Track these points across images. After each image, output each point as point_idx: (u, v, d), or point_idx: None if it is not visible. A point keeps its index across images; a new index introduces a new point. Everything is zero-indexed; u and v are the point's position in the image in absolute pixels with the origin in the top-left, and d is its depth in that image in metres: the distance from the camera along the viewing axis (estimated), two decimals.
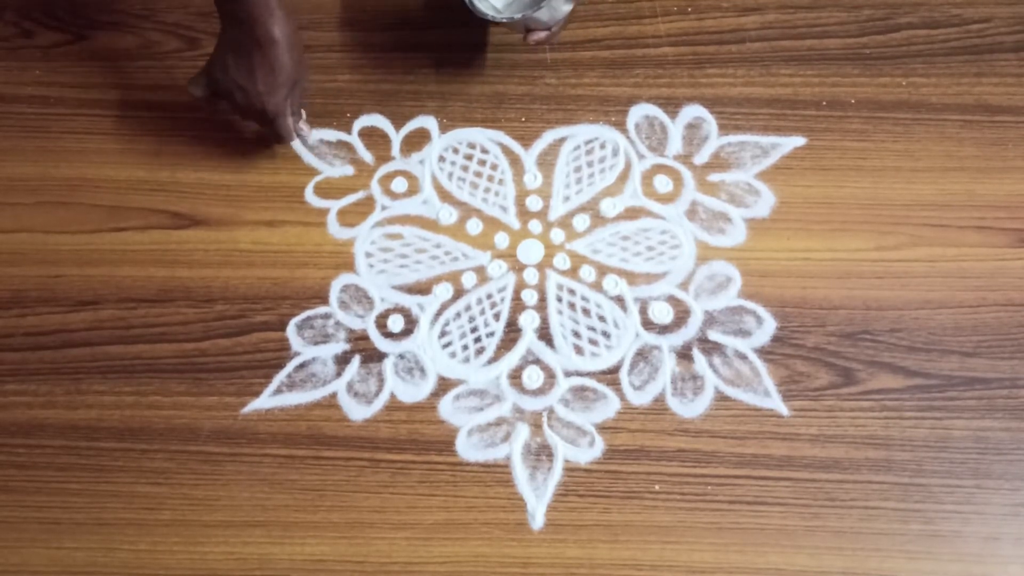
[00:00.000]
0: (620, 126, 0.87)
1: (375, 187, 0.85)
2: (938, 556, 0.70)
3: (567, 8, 0.80)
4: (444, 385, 0.76)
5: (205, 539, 0.71)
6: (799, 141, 0.85)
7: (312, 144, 0.85)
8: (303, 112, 0.84)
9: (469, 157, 0.86)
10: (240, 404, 0.76)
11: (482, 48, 0.91)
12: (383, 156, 0.86)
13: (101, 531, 0.72)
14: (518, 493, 0.72)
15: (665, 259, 0.81)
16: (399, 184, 0.85)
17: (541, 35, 0.81)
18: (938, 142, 0.85)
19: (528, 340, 0.78)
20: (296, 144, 0.86)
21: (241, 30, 0.74)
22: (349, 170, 0.86)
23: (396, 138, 0.87)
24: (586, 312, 0.79)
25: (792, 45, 0.90)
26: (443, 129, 0.87)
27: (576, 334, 0.78)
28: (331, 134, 0.87)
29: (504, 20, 0.80)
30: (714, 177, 0.84)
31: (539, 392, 0.76)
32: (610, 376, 0.76)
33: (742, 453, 0.73)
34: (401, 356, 0.77)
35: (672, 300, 0.79)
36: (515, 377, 0.76)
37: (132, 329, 0.79)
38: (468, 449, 0.74)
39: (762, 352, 0.77)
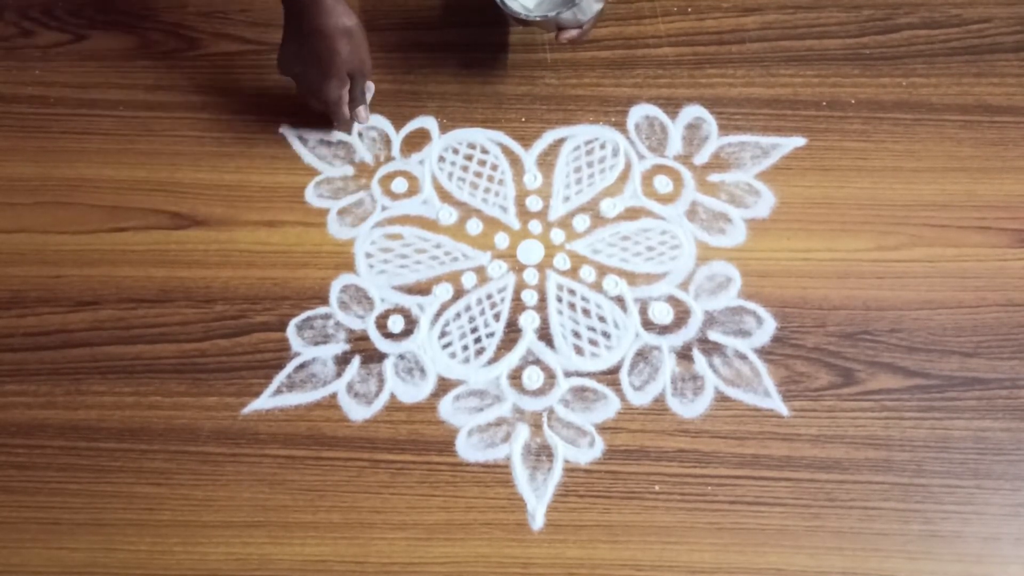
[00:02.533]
0: (620, 126, 0.87)
1: (375, 187, 0.85)
2: (938, 556, 0.70)
3: (598, 6, 0.80)
4: (444, 385, 0.76)
5: (205, 539, 0.71)
6: (799, 141, 0.85)
7: (364, 127, 0.87)
8: (367, 98, 0.84)
9: (469, 157, 0.86)
10: (240, 404, 0.76)
11: (482, 48, 0.91)
12: (383, 156, 0.86)
13: (101, 531, 0.72)
14: (518, 493, 0.72)
15: (665, 259, 0.81)
16: (399, 184, 0.85)
17: (573, 33, 0.82)
18: (938, 142, 0.85)
19: (528, 340, 0.78)
20: (296, 144, 0.86)
21: (299, 20, 0.77)
22: (349, 170, 0.86)
23: (396, 138, 0.87)
24: (586, 312, 0.79)
25: (792, 45, 0.90)
26: (443, 129, 0.87)
27: (576, 334, 0.78)
28: (331, 134, 0.87)
29: (537, 19, 0.80)
30: (714, 177, 0.84)
31: (539, 392, 0.76)
32: (610, 376, 0.76)
33: (742, 453, 0.73)
34: (401, 356, 0.77)
35: (672, 300, 0.79)
36: (515, 377, 0.76)
37: (132, 329, 0.79)
38: (468, 449, 0.74)
39: (762, 352, 0.77)
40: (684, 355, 0.77)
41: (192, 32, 0.93)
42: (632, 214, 0.83)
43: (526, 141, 0.86)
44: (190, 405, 0.76)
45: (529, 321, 0.79)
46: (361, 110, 0.83)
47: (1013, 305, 0.78)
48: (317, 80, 0.80)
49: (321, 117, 0.85)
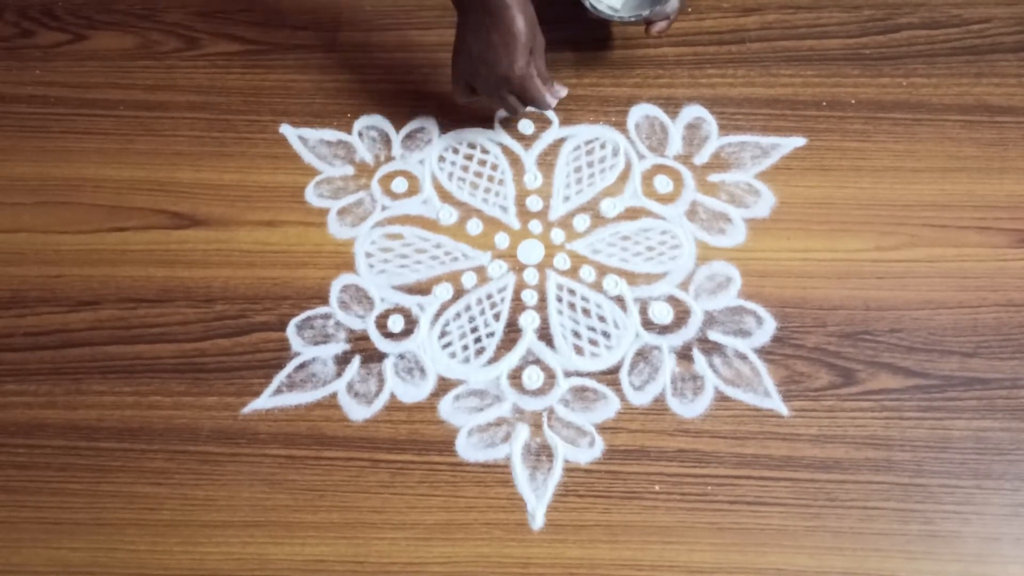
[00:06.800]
0: (620, 126, 0.87)
1: (375, 187, 0.85)
2: (938, 556, 0.70)
3: None
4: (444, 385, 0.76)
5: (205, 539, 0.71)
6: (799, 141, 0.85)
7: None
8: (549, 75, 0.81)
9: (469, 157, 0.86)
10: (240, 404, 0.76)
11: None
12: (383, 156, 0.86)
13: (101, 531, 0.72)
14: (518, 493, 0.72)
15: (665, 259, 0.81)
16: (399, 184, 0.85)
17: (662, 25, 0.84)
18: (938, 142, 0.85)
19: (528, 340, 0.78)
20: (296, 144, 0.86)
21: (476, 8, 0.74)
22: (349, 170, 0.86)
23: (396, 138, 0.87)
24: (586, 312, 0.79)
25: (792, 45, 0.90)
26: (443, 129, 0.87)
27: (576, 334, 0.78)
28: (331, 134, 0.87)
29: (630, 19, 0.83)
30: (714, 177, 0.84)
31: (539, 392, 0.76)
32: (610, 376, 0.76)
33: (742, 453, 0.73)
34: (401, 356, 0.77)
35: (672, 300, 0.79)
36: (515, 377, 0.76)
37: (132, 329, 0.79)
38: (468, 449, 0.74)
39: (762, 352, 0.77)
40: (684, 355, 0.77)
41: (192, 32, 0.93)
42: (632, 214, 0.83)
43: (526, 141, 0.86)
44: (190, 405, 0.76)
45: (529, 321, 0.79)
46: (557, 85, 0.80)
47: (1013, 305, 0.78)
48: (507, 58, 0.75)
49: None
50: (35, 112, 0.89)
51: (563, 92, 0.81)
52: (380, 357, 0.77)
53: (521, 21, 0.74)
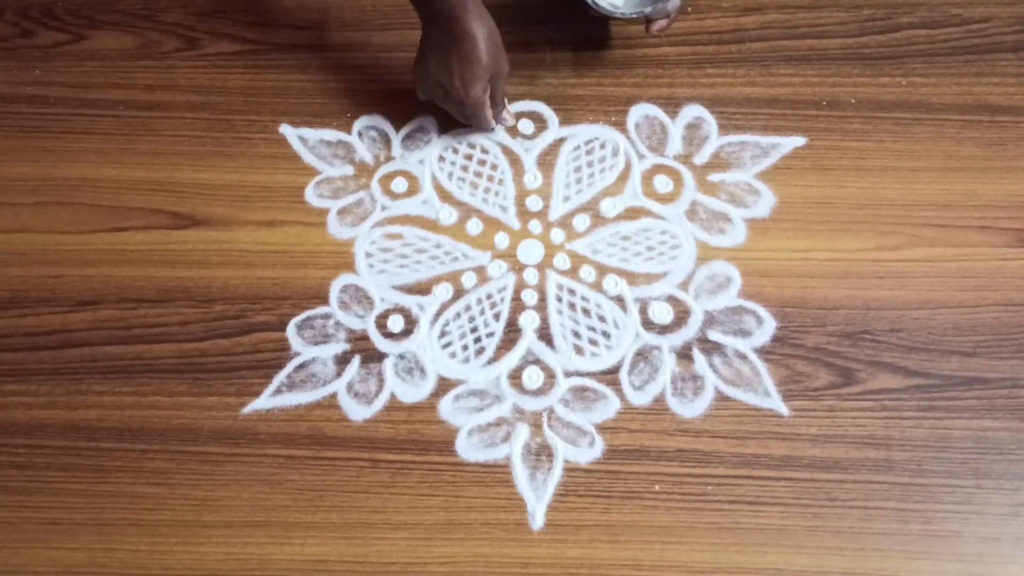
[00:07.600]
0: (620, 126, 0.87)
1: (375, 187, 0.85)
2: (938, 556, 0.70)
3: None
4: (444, 385, 0.76)
5: (205, 539, 0.71)
6: (799, 141, 0.85)
7: (509, 125, 0.87)
8: (505, 101, 0.85)
9: (469, 157, 0.86)
10: (240, 404, 0.76)
11: None
12: (383, 156, 0.86)
13: (101, 531, 0.72)
14: (518, 493, 0.72)
15: (665, 259, 0.81)
16: (399, 184, 0.85)
17: (663, 23, 0.84)
18: (938, 142, 0.85)
19: (528, 340, 0.78)
20: (296, 144, 0.87)
21: (439, 28, 0.76)
22: (349, 170, 0.86)
23: (396, 138, 0.87)
24: (586, 312, 0.79)
25: (792, 45, 0.90)
26: (443, 129, 0.87)
27: (576, 334, 0.78)
28: (331, 134, 0.87)
29: (632, 16, 0.83)
30: (714, 177, 0.84)
31: (539, 392, 0.76)
32: (610, 376, 0.76)
33: (742, 453, 0.73)
34: (401, 356, 0.77)
35: (672, 300, 0.79)
36: (515, 377, 0.76)
37: (132, 329, 0.79)
38: (468, 449, 0.74)
39: (762, 352, 0.77)
40: (684, 355, 0.77)
41: (192, 32, 0.93)
42: (632, 214, 0.83)
43: (526, 141, 0.86)
44: (190, 405, 0.76)
45: (529, 321, 0.79)
46: (505, 112, 0.85)
47: (1013, 305, 0.78)
48: (461, 85, 0.78)
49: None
50: (35, 112, 0.89)
51: (510, 121, 0.85)
52: (380, 357, 0.77)
53: (483, 51, 0.76)
